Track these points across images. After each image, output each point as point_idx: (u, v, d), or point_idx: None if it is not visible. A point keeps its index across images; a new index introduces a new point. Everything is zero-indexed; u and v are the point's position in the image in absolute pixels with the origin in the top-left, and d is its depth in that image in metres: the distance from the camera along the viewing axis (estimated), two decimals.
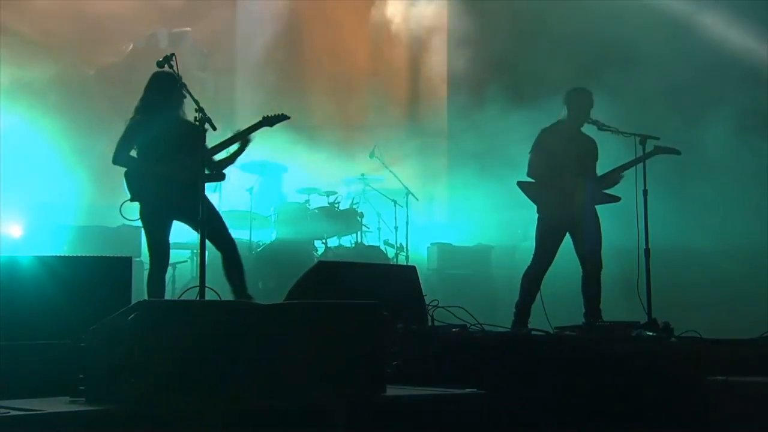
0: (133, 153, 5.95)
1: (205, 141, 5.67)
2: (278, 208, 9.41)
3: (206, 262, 5.37)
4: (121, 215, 5.96)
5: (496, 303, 9.26)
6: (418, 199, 10.17)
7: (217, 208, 6.45)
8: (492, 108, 10.32)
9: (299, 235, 9.10)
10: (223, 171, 6.15)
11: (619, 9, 9.67)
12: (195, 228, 5.90)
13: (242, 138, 6.07)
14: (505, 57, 10.72)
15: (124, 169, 5.88)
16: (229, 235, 6.07)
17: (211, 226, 5.89)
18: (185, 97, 5.76)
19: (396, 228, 9.94)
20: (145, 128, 5.87)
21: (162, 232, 5.91)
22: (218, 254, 6.04)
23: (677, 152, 6.73)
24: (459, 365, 4.81)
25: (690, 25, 9.79)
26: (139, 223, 5.97)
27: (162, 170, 5.78)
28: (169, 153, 5.80)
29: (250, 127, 6.08)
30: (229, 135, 6.06)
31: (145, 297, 5.83)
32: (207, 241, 5.52)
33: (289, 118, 6.24)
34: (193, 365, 2.90)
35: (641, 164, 6.49)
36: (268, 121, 6.14)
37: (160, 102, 5.87)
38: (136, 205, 5.87)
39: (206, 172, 5.77)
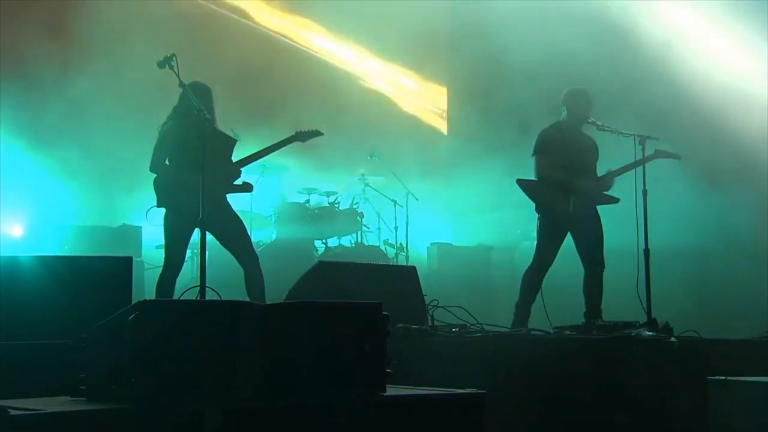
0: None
1: (231, 152, 5.72)
2: (278, 208, 9.41)
3: (206, 262, 5.38)
4: (146, 219, 6.02)
5: (496, 303, 9.24)
6: (418, 199, 10.16)
7: None
8: (493, 106, 10.32)
9: (299, 235, 9.10)
10: (251, 183, 6.24)
11: None
12: (218, 238, 5.94)
13: (272, 151, 6.06)
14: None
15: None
16: (253, 251, 6.10)
17: (237, 239, 5.94)
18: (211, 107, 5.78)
19: (396, 228, 9.93)
20: (176, 136, 5.87)
21: (182, 240, 5.95)
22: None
23: (677, 157, 6.72)
24: (459, 365, 4.82)
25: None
26: (141, 223, 6.00)
27: (191, 179, 5.67)
28: (199, 162, 5.53)
29: (281, 141, 6.08)
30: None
31: (146, 297, 5.84)
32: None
33: (322, 134, 6.27)
34: (193, 365, 2.90)
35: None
36: (301, 136, 6.15)
37: (190, 111, 5.64)
38: (162, 210, 5.95)
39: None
